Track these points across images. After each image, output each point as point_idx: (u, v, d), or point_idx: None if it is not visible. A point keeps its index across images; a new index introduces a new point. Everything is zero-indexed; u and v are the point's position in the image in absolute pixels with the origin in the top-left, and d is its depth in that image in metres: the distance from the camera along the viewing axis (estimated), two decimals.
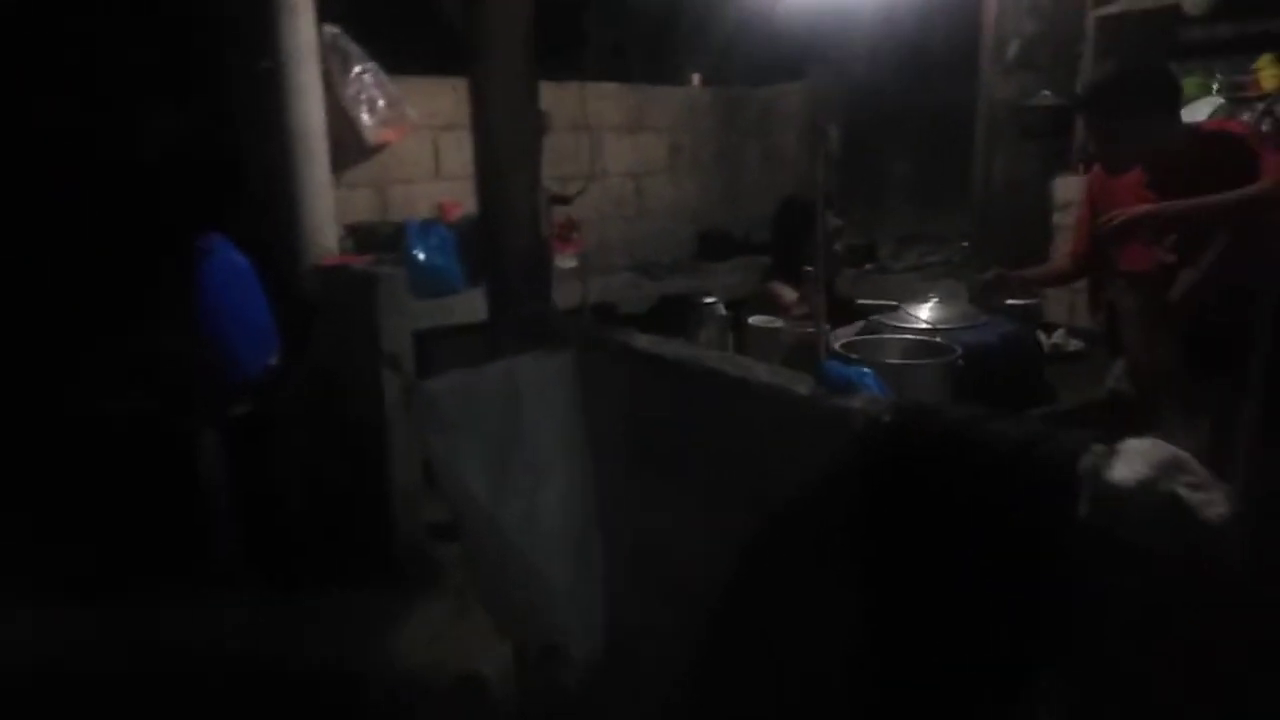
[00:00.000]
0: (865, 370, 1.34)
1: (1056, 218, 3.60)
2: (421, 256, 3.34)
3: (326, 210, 3.04)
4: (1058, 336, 2.53)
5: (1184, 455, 0.90)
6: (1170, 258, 2.34)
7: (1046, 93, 3.24)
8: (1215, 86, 3.35)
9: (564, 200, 3.08)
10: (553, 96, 4.06)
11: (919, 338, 2.03)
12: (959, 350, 1.87)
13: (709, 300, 2.12)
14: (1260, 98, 3.28)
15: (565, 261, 4.19)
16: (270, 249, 3.00)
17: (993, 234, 3.40)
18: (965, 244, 3.52)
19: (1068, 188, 3.55)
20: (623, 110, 4.40)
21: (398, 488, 2.89)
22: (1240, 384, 0.86)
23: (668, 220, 4.64)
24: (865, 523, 1.16)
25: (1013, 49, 3.25)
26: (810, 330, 2.03)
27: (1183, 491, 0.87)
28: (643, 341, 1.61)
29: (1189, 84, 3.43)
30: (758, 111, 4.73)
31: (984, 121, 3.28)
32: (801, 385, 1.32)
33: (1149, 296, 2.12)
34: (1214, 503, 0.85)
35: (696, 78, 4.67)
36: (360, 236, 3.38)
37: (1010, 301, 2.76)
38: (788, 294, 2.55)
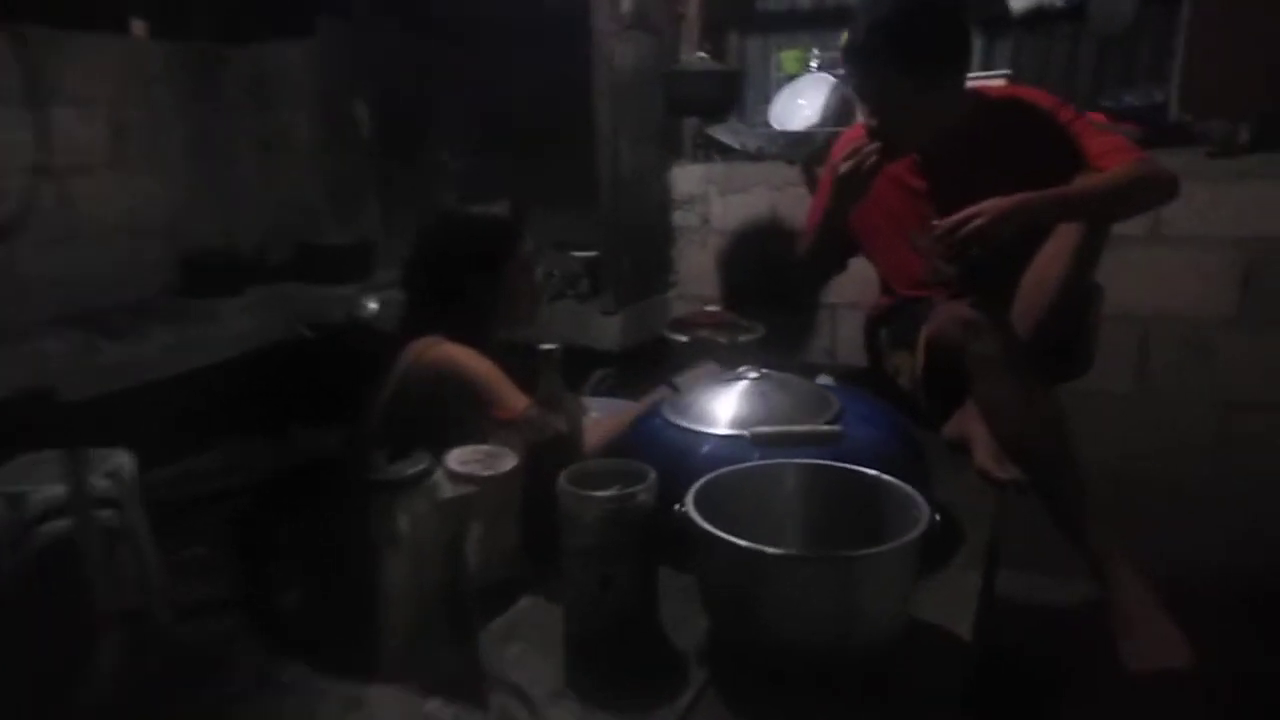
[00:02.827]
0: None
1: (678, 216, 2.98)
2: None
3: None
4: (825, 382, 1.84)
5: None
6: (949, 269, 1.78)
7: (702, 55, 2.56)
8: (814, 63, 2.99)
9: None
10: None
11: (817, 463, 1.12)
12: (918, 500, 1.01)
13: (416, 470, 0.94)
14: None
15: None
16: None
17: (626, 238, 2.64)
18: (593, 254, 2.70)
19: (688, 179, 2.95)
20: (12, 70, 2.68)
21: None
22: None
23: (121, 240, 3.02)
24: None
25: (626, 4, 2.49)
26: (630, 490, 1.00)
27: None
28: None
29: (787, 59, 3.04)
30: (248, 79, 3.32)
31: (606, 96, 2.48)
32: None
33: (1003, 329, 1.50)
34: None
35: (140, 26, 3.09)
36: None
37: (711, 336, 2.01)
38: (507, 393, 1.42)
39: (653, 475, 1.03)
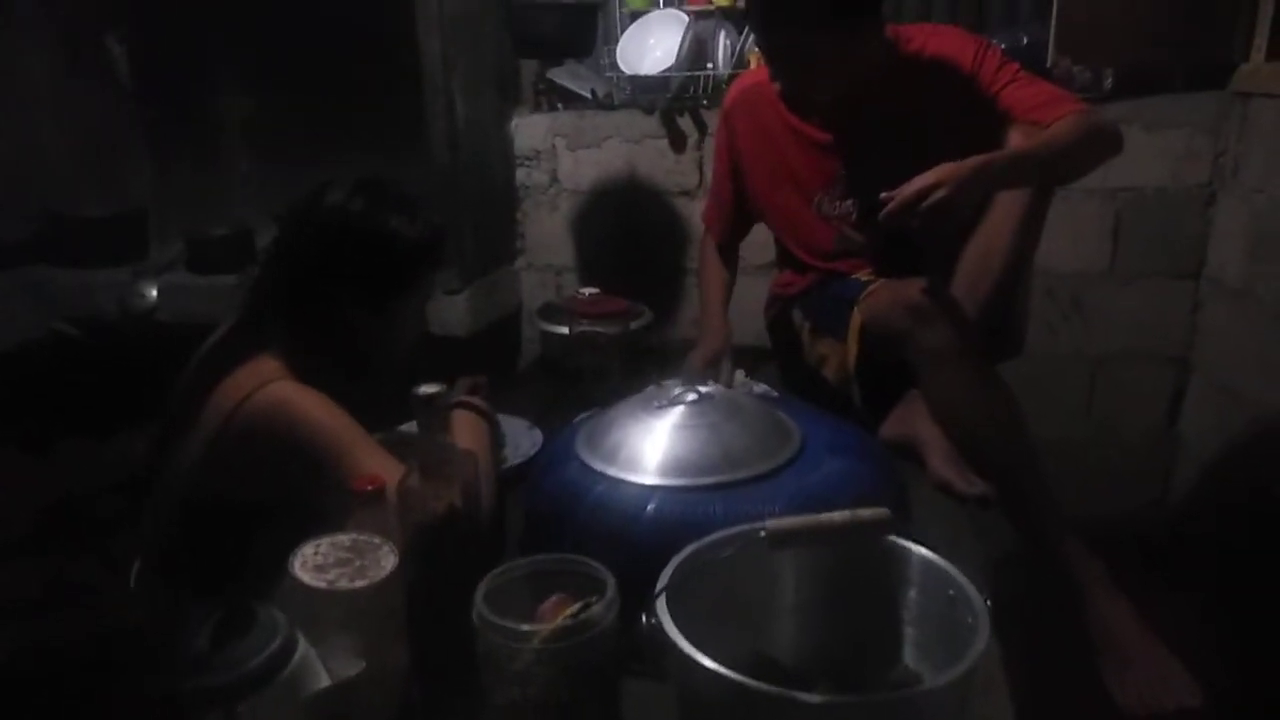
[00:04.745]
0: None
1: (521, 175, 2.61)
2: None
3: None
4: (739, 381, 1.56)
5: None
6: (857, 238, 1.56)
7: None
8: None
9: None
10: None
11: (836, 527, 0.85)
12: (958, 581, 0.77)
13: (266, 654, 0.58)
14: (709, 13, 2.71)
15: None
16: None
17: (467, 201, 2.25)
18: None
19: (532, 131, 2.58)
20: None
21: None
22: None
23: None
24: None
25: None
26: (581, 615, 0.69)
27: None
28: None
29: None
30: None
31: (435, 29, 2.06)
32: None
33: (954, 312, 1.28)
34: None
35: None
36: None
37: (594, 328, 1.69)
38: (371, 455, 1.02)
39: (612, 585, 0.73)
